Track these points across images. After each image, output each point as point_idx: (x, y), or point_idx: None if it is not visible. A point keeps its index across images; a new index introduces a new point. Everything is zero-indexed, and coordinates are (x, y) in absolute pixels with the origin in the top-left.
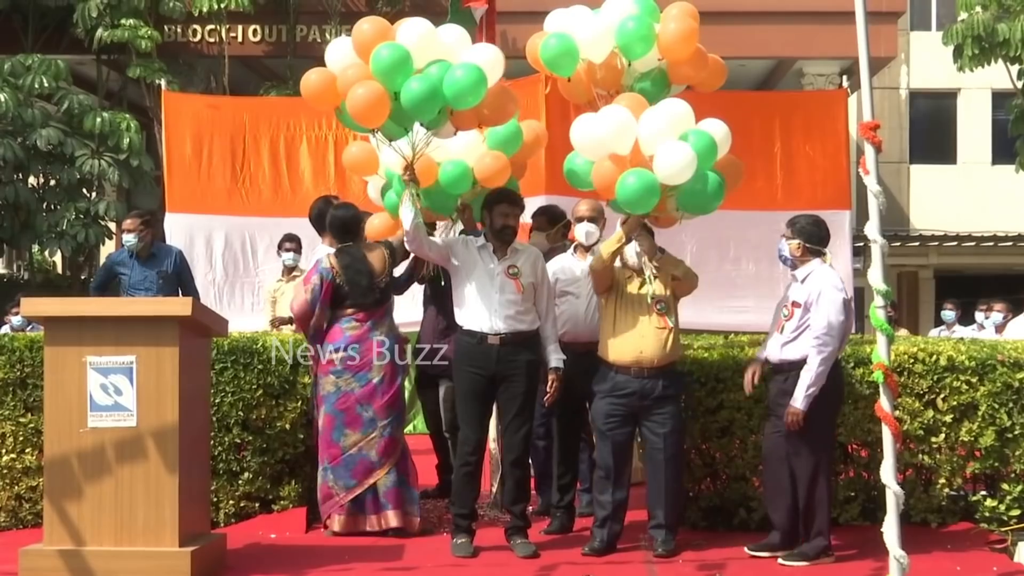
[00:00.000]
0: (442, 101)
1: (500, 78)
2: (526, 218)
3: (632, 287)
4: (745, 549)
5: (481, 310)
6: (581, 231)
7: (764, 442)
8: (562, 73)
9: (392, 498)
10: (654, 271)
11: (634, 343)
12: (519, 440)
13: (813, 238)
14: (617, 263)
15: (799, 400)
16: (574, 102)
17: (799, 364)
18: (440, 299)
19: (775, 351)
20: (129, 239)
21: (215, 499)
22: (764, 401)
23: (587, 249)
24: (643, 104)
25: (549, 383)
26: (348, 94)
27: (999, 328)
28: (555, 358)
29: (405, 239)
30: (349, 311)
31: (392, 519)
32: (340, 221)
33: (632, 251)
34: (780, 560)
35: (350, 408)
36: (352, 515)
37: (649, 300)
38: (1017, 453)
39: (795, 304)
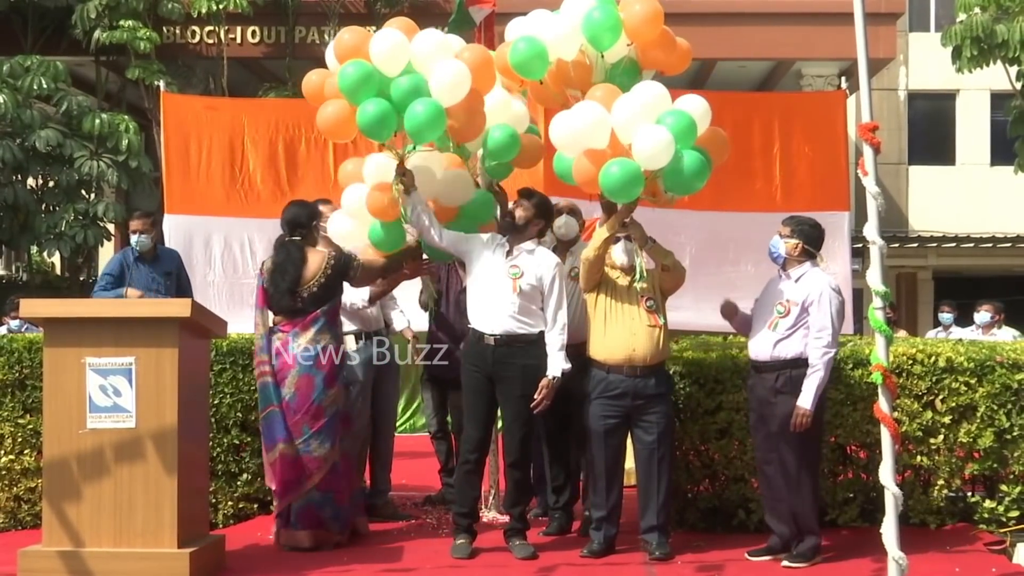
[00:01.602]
0: (395, 125)
1: (467, 92)
2: None
3: (621, 285)
4: (745, 555)
5: (481, 308)
6: (558, 224)
7: (757, 448)
8: (533, 76)
9: (304, 518)
10: (645, 263)
11: (626, 342)
12: (517, 443)
13: (812, 240)
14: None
15: (808, 401)
16: (547, 107)
17: (791, 363)
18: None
19: (765, 349)
20: (142, 240)
21: (214, 500)
22: (752, 401)
23: (567, 246)
24: (617, 94)
25: (539, 390)
26: (318, 112)
27: (986, 328)
28: (554, 366)
29: (418, 232)
30: (277, 318)
31: (303, 539)
32: (288, 215)
33: (620, 250)
34: (784, 563)
35: (270, 421)
36: (278, 528)
37: (638, 289)
38: (1016, 454)
39: (791, 302)
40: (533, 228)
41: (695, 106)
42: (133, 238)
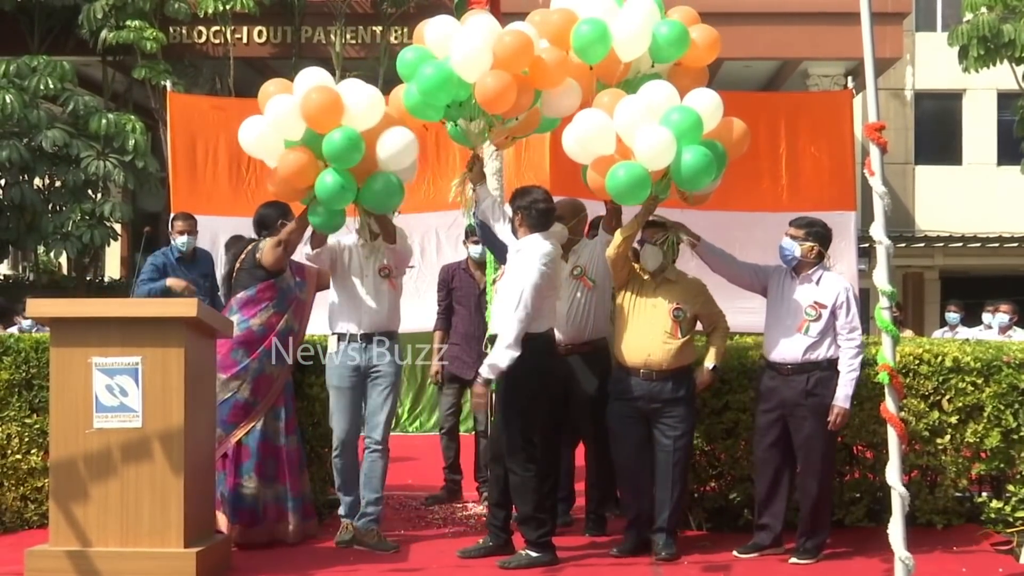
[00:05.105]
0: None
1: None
2: None
3: (648, 290)
4: (734, 552)
5: None
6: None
7: (764, 445)
8: (587, 61)
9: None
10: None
11: (643, 346)
12: (502, 443)
13: (825, 242)
14: (636, 266)
15: (847, 400)
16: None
17: (820, 365)
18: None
19: (796, 352)
20: (186, 241)
21: None
22: (769, 402)
23: (570, 245)
24: (620, 97)
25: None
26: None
27: (1003, 329)
28: (486, 363)
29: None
30: None
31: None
32: (256, 216)
33: (649, 255)
34: (792, 559)
35: None
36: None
37: (668, 305)
38: (1023, 454)
39: (820, 305)
40: (517, 223)
41: (703, 101)
42: (181, 239)
